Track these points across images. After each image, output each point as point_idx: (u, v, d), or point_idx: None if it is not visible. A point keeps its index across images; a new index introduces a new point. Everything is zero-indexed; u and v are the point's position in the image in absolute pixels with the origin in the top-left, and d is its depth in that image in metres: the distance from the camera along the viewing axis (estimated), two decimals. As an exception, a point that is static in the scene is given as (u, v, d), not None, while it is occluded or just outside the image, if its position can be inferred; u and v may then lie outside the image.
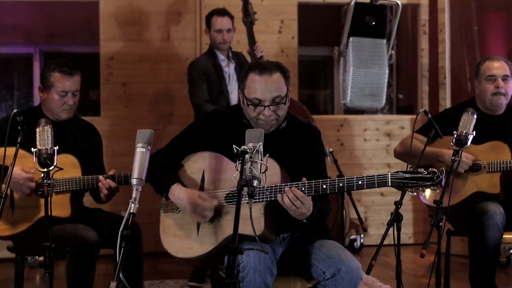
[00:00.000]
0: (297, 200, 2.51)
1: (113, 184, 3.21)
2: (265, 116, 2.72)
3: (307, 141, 2.86)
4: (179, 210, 2.77)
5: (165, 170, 2.79)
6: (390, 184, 2.52)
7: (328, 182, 2.56)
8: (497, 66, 3.77)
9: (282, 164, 2.67)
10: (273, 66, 2.76)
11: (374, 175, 2.54)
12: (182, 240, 2.73)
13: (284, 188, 2.56)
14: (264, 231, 2.56)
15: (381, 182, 2.52)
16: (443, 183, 2.50)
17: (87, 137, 3.53)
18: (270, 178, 2.59)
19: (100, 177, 3.20)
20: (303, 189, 2.55)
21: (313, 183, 2.56)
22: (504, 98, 3.76)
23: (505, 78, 3.75)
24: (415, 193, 2.55)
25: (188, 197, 2.68)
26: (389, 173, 2.52)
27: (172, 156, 2.86)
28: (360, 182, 2.54)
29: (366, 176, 2.55)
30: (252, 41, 4.83)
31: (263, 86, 2.70)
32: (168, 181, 2.76)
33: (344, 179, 2.56)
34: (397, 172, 2.53)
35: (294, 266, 2.74)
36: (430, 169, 2.52)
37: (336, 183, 2.56)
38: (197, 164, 2.82)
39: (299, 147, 2.82)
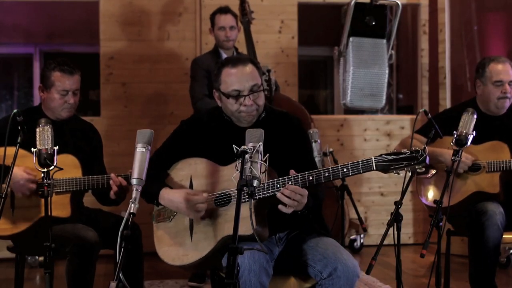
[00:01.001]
0: (297, 195, 2.51)
1: (124, 182, 3.21)
2: (246, 106, 2.74)
3: (288, 130, 2.86)
4: (171, 219, 2.78)
5: (152, 179, 2.76)
6: (375, 168, 2.50)
7: (314, 173, 2.56)
8: (504, 70, 3.77)
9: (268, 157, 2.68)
10: (245, 58, 2.85)
11: (358, 161, 2.53)
12: (177, 248, 2.74)
13: (271, 184, 2.57)
14: (256, 229, 2.55)
15: (366, 166, 2.51)
16: (427, 160, 2.48)
17: (88, 137, 3.54)
18: None
19: (112, 174, 3.20)
20: (289, 183, 2.55)
21: (299, 176, 2.56)
22: (508, 101, 3.80)
23: (510, 82, 3.78)
24: (401, 174, 2.54)
25: (178, 196, 2.70)
26: (373, 157, 2.51)
27: (158, 166, 2.85)
28: (345, 170, 2.54)
29: (350, 163, 2.54)
30: (249, 40, 4.84)
31: (240, 77, 2.75)
32: (157, 187, 2.77)
33: (329, 168, 2.56)
34: (380, 155, 2.52)
35: (292, 266, 2.73)
36: (413, 148, 2.51)
37: (322, 173, 2.56)
38: (184, 172, 2.83)
39: (281, 137, 2.82)
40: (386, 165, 2.49)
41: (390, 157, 2.49)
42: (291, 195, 2.51)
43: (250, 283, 2.47)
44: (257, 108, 2.78)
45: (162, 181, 2.82)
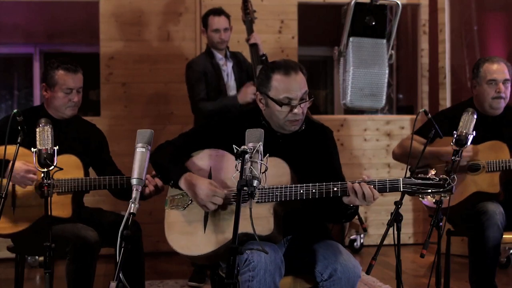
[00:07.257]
0: (368, 198, 2.52)
1: (160, 183, 3.21)
2: (295, 114, 2.73)
3: (322, 143, 2.87)
4: (185, 207, 2.77)
5: (176, 160, 2.79)
6: (401, 189, 2.54)
7: (339, 185, 2.56)
8: (498, 70, 3.76)
9: (296, 165, 2.68)
10: (295, 64, 2.81)
11: (386, 180, 2.55)
12: (188, 237, 2.72)
13: (294, 189, 2.57)
14: (273, 231, 2.56)
15: (393, 187, 2.54)
16: (454, 190, 2.51)
17: (91, 137, 3.55)
18: (279, 179, 2.61)
19: (148, 176, 3.18)
20: (313, 190, 2.56)
21: (324, 186, 2.57)
22: (503, 101, 3.78)
23: (505, 81, 3.76)
24: (425, 198, 2.58)
25: (200, 182, 2.67)
26: (401, 178, 2.54)
27: (181, 151, 2.84)
28: (371, 186, 2.54)
29: (378, 180, 2.55)
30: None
31: (293, 85, 2.73)
32: (180, 169, 2.75)
33: (355, 182, 2.55)
34: (409, 178, 2.54)
35: (294, 267, 2.74)
36: (441, 176, 2.53)
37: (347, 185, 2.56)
38: (204, 162, 2.82)
39: (315, 149, 2.84)
40: (412, 189, 2.53)
41: (419, 181, 2.53)
42: (369, 196, 2.51)
43: (265, 283, 2.47)
44: (302, 117, 2.78)
45: (183, 165, 2.81)
